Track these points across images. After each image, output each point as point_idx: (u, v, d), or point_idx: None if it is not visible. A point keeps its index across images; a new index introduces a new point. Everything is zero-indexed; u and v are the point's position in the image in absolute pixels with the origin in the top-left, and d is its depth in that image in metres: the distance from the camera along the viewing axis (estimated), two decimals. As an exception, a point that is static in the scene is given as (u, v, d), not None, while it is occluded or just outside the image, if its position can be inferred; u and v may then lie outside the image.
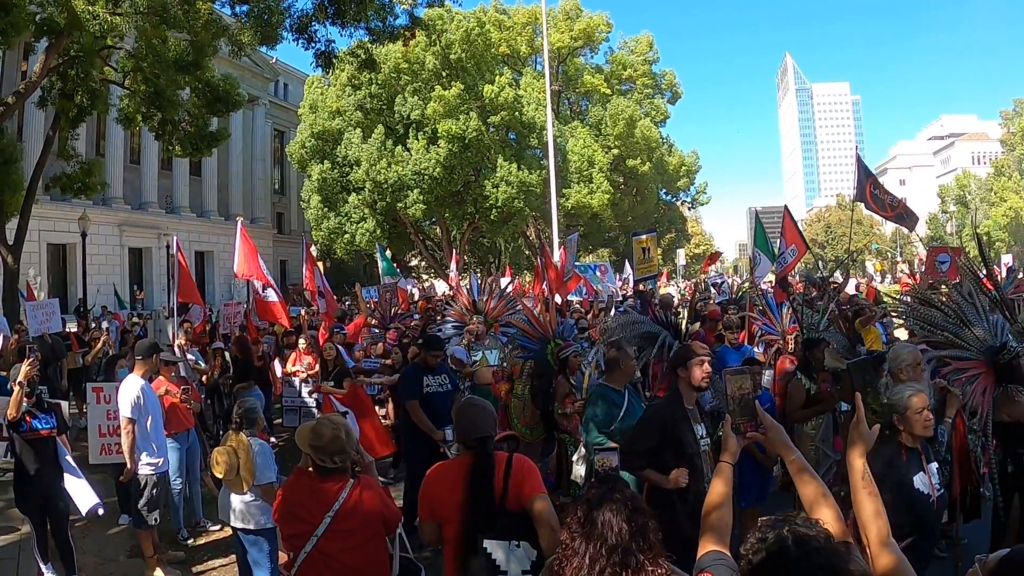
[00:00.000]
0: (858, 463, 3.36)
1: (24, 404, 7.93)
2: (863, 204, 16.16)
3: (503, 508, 4.45)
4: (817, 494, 3.19)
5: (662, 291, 25.51)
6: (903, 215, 16.32)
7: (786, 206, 16.97)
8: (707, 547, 3.03)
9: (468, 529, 4.50)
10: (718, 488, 3.27)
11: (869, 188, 16.01)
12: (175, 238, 14.36)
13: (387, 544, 5.03)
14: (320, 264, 45.62)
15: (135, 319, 30.06)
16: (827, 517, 3.08)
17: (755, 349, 11.69)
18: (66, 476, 8.28)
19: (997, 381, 6.50)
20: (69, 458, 8.44)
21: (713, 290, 17.05)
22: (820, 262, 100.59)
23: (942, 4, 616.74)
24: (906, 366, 6.42)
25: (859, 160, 16.43)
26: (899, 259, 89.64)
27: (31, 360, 8.03)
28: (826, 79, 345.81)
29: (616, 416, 6.95)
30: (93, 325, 22.33)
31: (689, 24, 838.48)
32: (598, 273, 31.61)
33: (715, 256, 32.82)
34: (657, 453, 5.76)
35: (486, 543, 4.37)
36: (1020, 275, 12.96)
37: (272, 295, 14.44)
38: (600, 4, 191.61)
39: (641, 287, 14.56)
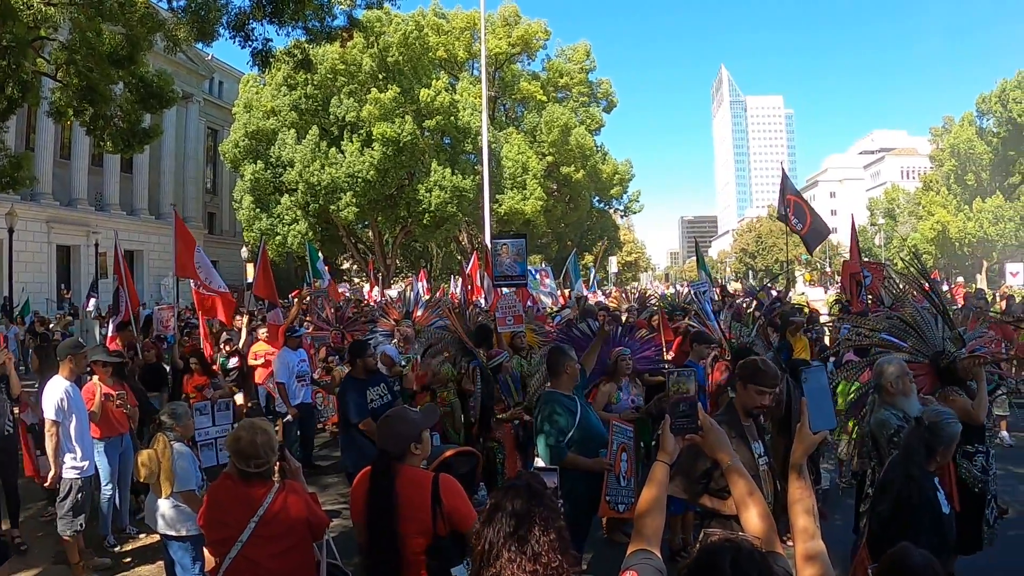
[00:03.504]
0: (797, 478, 3.35)
1: None
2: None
3: (436, 535, 4.46)
4: (745, 492, 3.26)
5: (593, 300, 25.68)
6: (811, 236, 16.42)
7: (853, 224, 16.94)
8: (635, 547, 3.03)
9: (368, 547, 4.56)
10: (652, 489, 3.24)
11: (792, 204, 16.20)
12: (116, 234, 13.91)
13: (314, 550, 5.01)
14: (251, 266, 45.50)
15: (69, 318, 29.61)
16: (754, 515, 3.20)
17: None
18: None
19: (940, 383, 6.76)
20: None
21: (697, 300, 17.08)
22: (751, 271, 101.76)
23: (876, 23, 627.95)
24: (894, 379, 6.19)
25: (784, 176, 16.69)
26: (827, 270, 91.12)
27: None
28: (760, 92, 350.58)
29: (572, 424, 6.75)
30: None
31: (627, 34, 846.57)
32: (538, 277, 31.14)
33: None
34: (713, 477, 5.22)
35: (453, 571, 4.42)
36: (944, 287, 13.30)
37: (215, 286, 13.93)
38: (539, 11, 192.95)
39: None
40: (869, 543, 5.04)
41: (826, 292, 47.11)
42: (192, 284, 13.65)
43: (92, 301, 26.77)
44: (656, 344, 10.95)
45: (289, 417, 12.88)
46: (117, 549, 9.45)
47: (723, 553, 2.41)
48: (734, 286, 49.60)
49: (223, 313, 14.12)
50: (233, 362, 14.26)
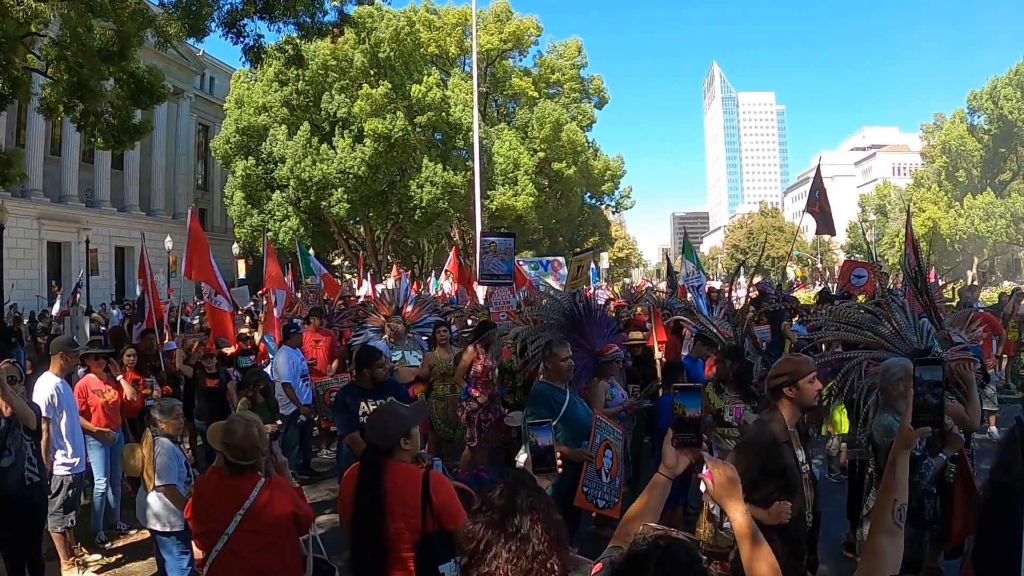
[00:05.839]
0: (891, 476, 3.12)
1: None
2: (809, 214, 16.53)
3: (425, 531, 4.41)
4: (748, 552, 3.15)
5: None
6: (823, 222, 16.59)
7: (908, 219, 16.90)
8: (615, 542, 3.00)
9: (354, 540, 4.53)
10: (647, 496, 3.19)
11: (823, 199, 16.35)
12: (144, 236, 13.73)
13: (300, 545, 5.01)
14: (242, 262, 45.38)
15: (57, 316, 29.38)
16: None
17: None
18: None
19: None
20: None
21: (689, 295, 16.37)
22: (743, 267, 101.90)
23: (868, 21, 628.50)
24: (897, 381, 5.97)
25: (818, 171, 16.84)
26: (819, 266, 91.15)
27: None
28: (752, 89, 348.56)
29: (556, 416, 6.77)
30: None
31: (618, 30, 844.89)
32: (551, 268, 31.10)
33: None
34: (757, 484, 4.88)
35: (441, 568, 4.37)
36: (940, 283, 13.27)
37: (224, 304, 13.59)
38: (531, 7, 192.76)
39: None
40: (974, 558, 4.78)
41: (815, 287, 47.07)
42: (205, 296, 13.20)
43: (76, 295, 26.60)
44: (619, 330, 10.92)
45: (302, 418, 12.27)
46: (108, 545, 9.39)
47: (648, 555, 2.30)
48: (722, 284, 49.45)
49: (229, 333, 13.85)
50: (249, 360, 14.12)
